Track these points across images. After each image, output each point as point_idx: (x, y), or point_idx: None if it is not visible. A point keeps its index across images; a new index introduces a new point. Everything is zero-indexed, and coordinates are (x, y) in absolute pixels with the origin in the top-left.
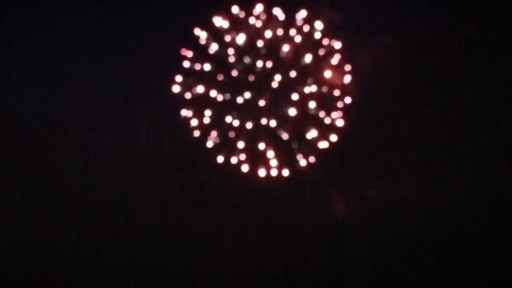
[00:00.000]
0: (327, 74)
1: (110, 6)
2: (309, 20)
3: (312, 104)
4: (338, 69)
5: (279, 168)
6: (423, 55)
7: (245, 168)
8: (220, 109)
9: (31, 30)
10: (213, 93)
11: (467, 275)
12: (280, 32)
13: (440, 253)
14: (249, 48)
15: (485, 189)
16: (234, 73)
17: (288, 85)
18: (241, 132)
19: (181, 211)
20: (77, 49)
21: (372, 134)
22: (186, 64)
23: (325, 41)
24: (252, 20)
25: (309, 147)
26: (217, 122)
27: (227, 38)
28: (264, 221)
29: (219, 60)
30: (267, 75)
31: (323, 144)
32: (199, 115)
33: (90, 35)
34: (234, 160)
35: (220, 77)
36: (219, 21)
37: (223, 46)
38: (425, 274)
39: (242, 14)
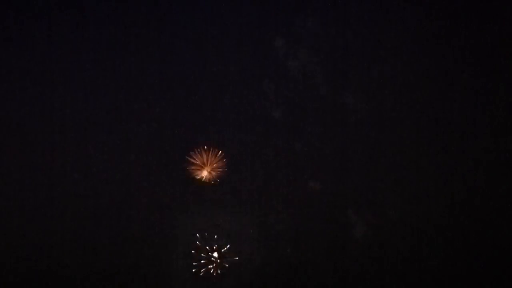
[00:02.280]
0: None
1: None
2: None
3: None
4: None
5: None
6: (422, 56)
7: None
8: None
9: (32, 30)
10: None
11: (470, 275)
12: None
13: (443, 254)
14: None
15: (486, 190)
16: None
17: None
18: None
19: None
20: (76, 51)
21: (373, 137)
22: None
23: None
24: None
25: None
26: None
27: None
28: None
29: None
30: None
31: None
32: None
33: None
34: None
35: None
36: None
37: None
38: (428, 275)
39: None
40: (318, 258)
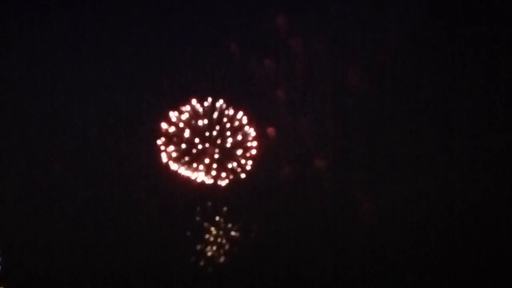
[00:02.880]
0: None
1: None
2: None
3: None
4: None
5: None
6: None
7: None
8: None
9: (31, 31)
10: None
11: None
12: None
13: (444, 250)
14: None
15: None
16: None
17: None
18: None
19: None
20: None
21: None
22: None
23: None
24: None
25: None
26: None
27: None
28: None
29: None
30: None
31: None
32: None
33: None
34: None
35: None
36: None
37: None
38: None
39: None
40: (323, 239)
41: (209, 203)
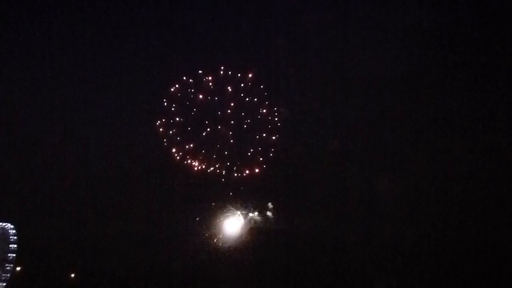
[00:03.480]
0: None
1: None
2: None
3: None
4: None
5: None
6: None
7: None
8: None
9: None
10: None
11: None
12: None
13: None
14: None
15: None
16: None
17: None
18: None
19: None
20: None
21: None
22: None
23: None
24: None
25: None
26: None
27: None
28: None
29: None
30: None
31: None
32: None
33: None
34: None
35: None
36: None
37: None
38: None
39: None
40: (337, 219)
41: (220, 202)
